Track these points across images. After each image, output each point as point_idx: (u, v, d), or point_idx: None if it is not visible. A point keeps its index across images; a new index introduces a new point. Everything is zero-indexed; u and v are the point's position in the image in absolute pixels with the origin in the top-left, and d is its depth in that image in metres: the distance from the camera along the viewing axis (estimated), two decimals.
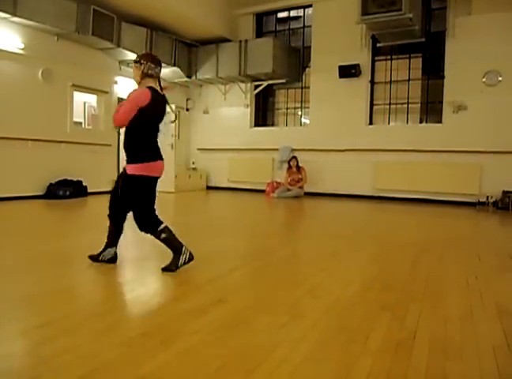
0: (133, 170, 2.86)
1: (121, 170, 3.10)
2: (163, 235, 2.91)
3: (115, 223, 3.07)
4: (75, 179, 8.09)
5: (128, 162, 2.90)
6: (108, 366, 1.58)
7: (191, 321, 2.04)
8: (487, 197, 7.88)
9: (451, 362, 1.68)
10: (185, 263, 2.91)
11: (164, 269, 2.88)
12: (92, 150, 8.64)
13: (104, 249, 3.09)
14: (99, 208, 6.99)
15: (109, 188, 9.02)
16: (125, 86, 9.35)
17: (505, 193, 7.70)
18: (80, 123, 9.56)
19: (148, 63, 2.97)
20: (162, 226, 2.92)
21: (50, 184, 7.72)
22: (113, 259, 3.08)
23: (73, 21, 7.45)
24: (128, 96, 2.88)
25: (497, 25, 7.83)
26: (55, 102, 7.93)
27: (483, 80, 8.00)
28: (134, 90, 2.92)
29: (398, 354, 1.72)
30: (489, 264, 3.42)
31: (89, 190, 8.31)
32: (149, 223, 2.92)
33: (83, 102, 9.77)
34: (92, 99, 9.36)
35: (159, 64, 3.04)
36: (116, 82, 9.17)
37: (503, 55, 7.82)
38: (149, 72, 2.97)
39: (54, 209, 6.54)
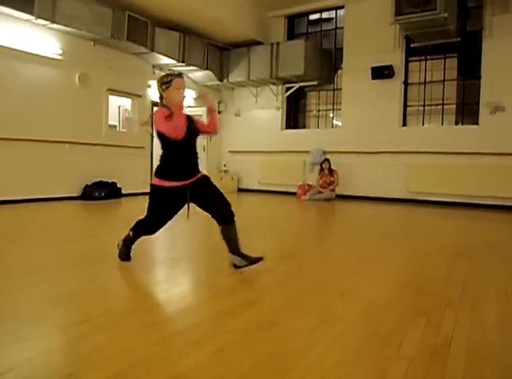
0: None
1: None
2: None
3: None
4: (110, 181, 8.29)
5: (198, 170, 3.07)
6: (143, 364, 1.60)
7: (224, 322, 2.05)
8: None
9: (489, 370, 1.63)
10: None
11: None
12: (126, 152, 8.83)
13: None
14: (133, 208, 7.15)
15: (143, 189, 9.23)
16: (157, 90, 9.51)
17: None
18: (115, 126, 9.78)
19: None
20: None
21: (86, 185, 7.94)
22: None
23: (108, 27, 7.64)
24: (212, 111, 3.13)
25: None
26: (91, 105, 8.15)
27: None
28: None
29: (433, 361, 1.68)
30: None
31: (123, 192, 8.49)
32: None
33: (118, 105, 9.99)
34: (126, 102, 9.56)
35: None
36: (150, 86, 9.34)
37: None
38: None
39: (90, 210, 6.71)
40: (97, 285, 2.66)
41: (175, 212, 3.08)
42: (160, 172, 2.98)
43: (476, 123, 8.29)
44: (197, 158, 3.07)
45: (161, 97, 2.96)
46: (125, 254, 3.22)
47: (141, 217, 3.13)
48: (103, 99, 8.38)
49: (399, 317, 2.17)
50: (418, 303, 2.41)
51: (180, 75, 3.00)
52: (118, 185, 8.43)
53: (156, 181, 2.98)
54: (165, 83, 2.91)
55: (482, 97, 8.18)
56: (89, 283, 2.69)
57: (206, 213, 2.97)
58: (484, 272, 3.23)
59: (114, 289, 2.67)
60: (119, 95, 8.95)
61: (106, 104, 8.48)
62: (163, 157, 3.00)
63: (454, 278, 2.99)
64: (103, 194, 7.91)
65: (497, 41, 7.94)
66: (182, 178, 2.96)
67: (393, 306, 2.36)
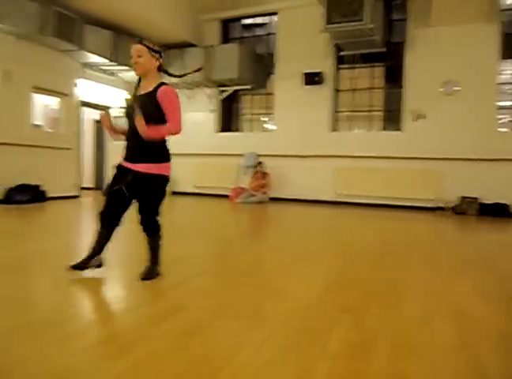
0: (159, 169, 2.78)
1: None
2: (159, 242, 2.89)
3: (111, 229, 2.89)
4: (34, 184, 7.86)
5: (149, 161, 2.76)
6: (67, 375, 1.54)
7: (153, 327, 2.01)
8: (445, 203, 8.16)
9: (410, 362, 1.72)
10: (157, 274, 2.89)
11: (144, 279, 2.80)
12: (52, 154, 8.42)
13: (91, 257, 2.89)
14: (58, 213, 6.84)
15: (70, 193, 8.84)
16: (87, 89, 9.18)
17: (462, 198, 7.98)
18: (40, 126, 9.31)
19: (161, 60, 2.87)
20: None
21: (9, 189, 7.47)
22: (100, 265, 2.96)
23: (34, 22, 7.24)
24: (166, 99, 2.72)
25: (454, 37, 8.15)
26: (14, 104, 7.68)
27: (441, 89, 8.30)
28: (165, 90, 2.73)
29: (358, 356, 1.76)
30: (446, 268, 3.54)
31: (49, 195, 8.08)
32: (158, 224, 2.88)
33: (43, 104, 9.51)
34: (52, 101, 9.13)
35: None
36: (78, 85, 8.98)
37: (460, 66, 8.13)
38: (163, 68, 2.88)
39: (11, 215, 6.32)
40: (19, 294, 2.51)
41: (113, 196, 2.82)
42: (166, 155, 2.86)
43: (400, 129, 8.76)
44: (137, 142, 2.75)
45: (160, 68, 2.85)
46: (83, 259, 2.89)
47: None
48: (27, 97, 7.93)
49: (326, 315, 2.25)
50: (344, 301, 2.50)
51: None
52: (43, 189, 8.02)
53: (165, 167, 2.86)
54: (159, 53, 2.81)
55: (405, 105, 8.66)
56: (10, 292, 2.53)
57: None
58: (406, 269, 3.41)
59: (37, 298, 2.54)
60: (45, 94, 8.53)
61: (30, 103, 8.03)
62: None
63: (378, 276, 3.14)
64: (26, 198, 7.48)
65: (418, 53, 8.45)
66: (124, 157, 2.85)
67: (320, 305, 2.43)
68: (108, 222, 2.85)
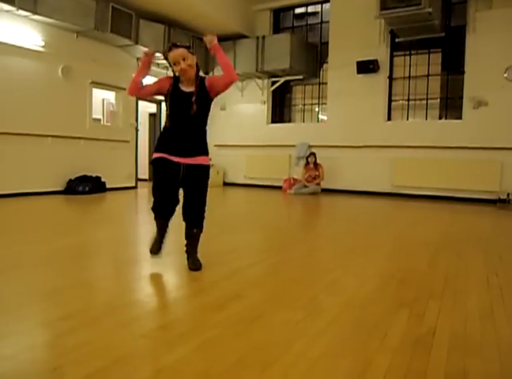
0: (208, 161, 2.93)
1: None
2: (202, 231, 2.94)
3: (168, 219, 2.94)
4: (94, 175, 8.20)
5: (204, 153, 2.88)
6: (128, 358, 1.60)
7: (209, 316, 2.05)
8: (508, 194, 7.74)
9: (471, 358, 1.66)
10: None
11: (196, 269, 2.84)
12: (111, 146, 8.74)
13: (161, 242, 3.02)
14: (118, 203, 7.10)
15: (128, 184, 9.15)
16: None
17: None
18: (99, 120, 9.67)
19: None
20: None
21: (70, 180, 7.85)
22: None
23: (91, 19, 7.52)
24: (213, 79, 2.86)
25: None
26: (75, 99, 8.04)
27: (505, 75, 7.86)
28: (209, 77, 2.85)
29: (417, 351, 1.71)
30: (510, 262, 3.36)
31: (108, 186, 8.41)
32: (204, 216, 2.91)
33: (102, 99, 9.87)
34: (110, 95, 9.46)
35: None
36: None
37: None
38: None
39: (74, 205, 6.64)
40: (82, 280, 2.63)
41: (169, 189, 2.82)
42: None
43: (460, 118, 8.38)
44: (193, 136, 2.82)
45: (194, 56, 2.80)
46: (153, 245, 2.99)
47: None
48: (86, 92, 8.27)
49: (383, 309, 2.20)
50: (401, 295, 2.43)
51: (171, 48, 2.72)
52: (103, 180, 8.35)
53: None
54: (165, 58, 2.77)
55: (465, 92, 8.27)
56: (72, 278, 2.66)
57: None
58: (467, 264, 3.27)
59: (98, 284, 2.65)
60: (103, 88, 8.84)
61: (90, 97, 8.37)
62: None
63: (437, 270, 3.03)
64: (87, 189, 7.82)
65: (480, 36, 8.03)
66: (168, 151, 2.77)
67: (376, 298, 2.38)
68: (166, 214, 2.89)
